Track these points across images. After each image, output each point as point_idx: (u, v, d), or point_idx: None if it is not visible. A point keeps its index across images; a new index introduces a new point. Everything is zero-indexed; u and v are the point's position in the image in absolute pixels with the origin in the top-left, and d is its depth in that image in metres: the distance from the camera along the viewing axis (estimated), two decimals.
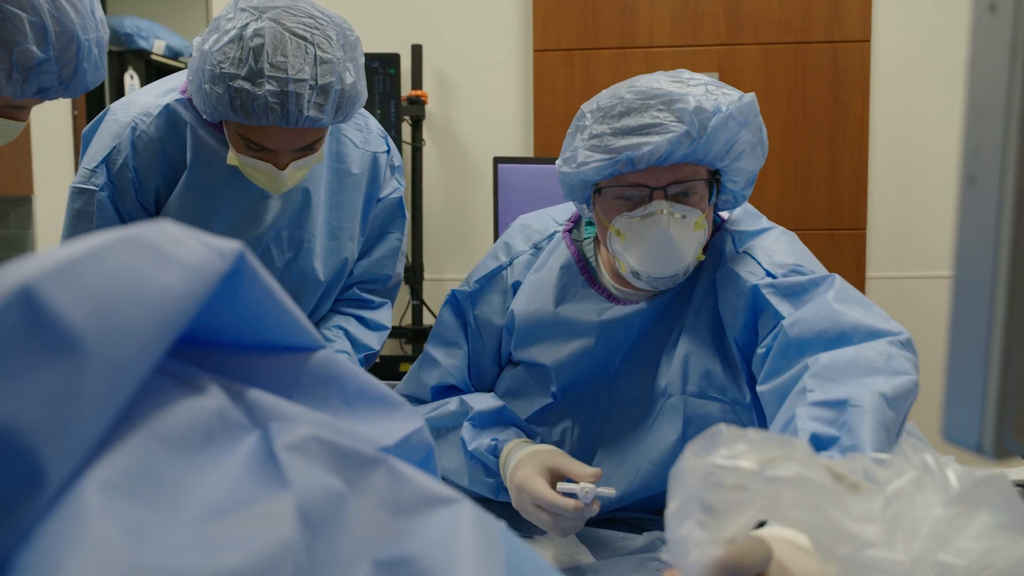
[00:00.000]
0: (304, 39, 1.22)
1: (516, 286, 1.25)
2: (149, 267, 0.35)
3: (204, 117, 1.31)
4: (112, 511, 0.30)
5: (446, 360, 1.27)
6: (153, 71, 3.72)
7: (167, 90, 1.43)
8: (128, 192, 1.40)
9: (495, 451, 1.12)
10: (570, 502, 0.99)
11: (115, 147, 1.38)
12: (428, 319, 3.21)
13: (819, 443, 0.82)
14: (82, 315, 0.30)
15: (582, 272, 1.21)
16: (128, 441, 0.35)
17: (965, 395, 0.39)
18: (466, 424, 1.14)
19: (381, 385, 0.58)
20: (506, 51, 3.13)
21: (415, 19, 3.15)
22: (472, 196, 3.20)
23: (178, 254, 0.37)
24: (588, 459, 1.18)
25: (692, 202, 1.09)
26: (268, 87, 1.19)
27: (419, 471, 0.48)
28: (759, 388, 1.01)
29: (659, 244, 1.07)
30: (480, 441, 1.12)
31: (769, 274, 1.07)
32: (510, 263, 1.26)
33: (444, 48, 3.15)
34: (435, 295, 3.21)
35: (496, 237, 2.58)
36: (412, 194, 3.11)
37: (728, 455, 0.53)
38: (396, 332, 3.15)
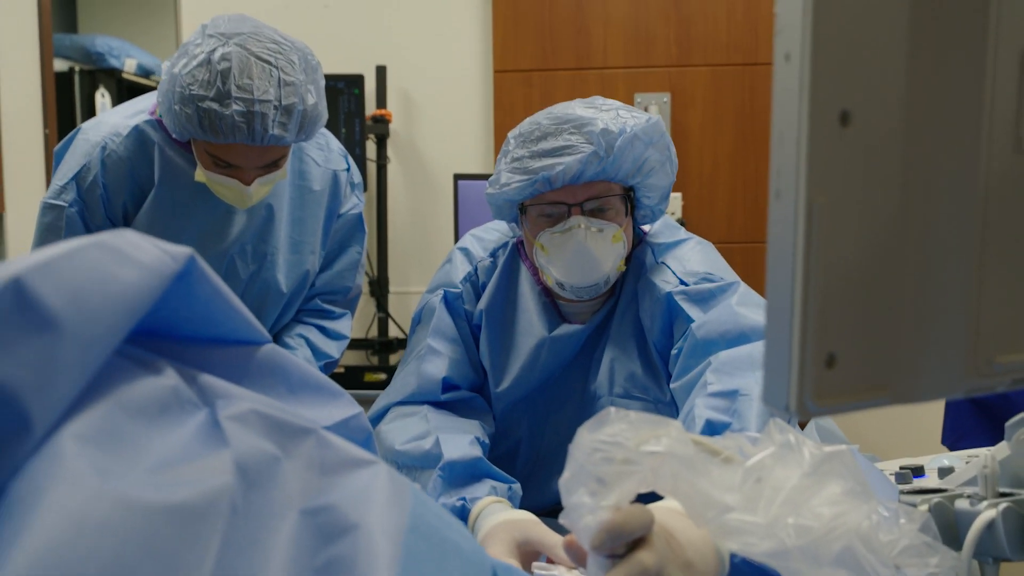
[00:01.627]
0: (268, 63, 1.31)
1: (483, 287, 1.32)
2: (113, 266, 0.43)
3: (173, 136, 1.39)
4: (83, 455, 0.39)
5: (451, 353, 1.28)
6: (124, 89, 3.78)
7: (136, 111, 1.51)
8: (97, 208, 1.47)
9: (463, 513, 1.05)
10: None
11: (85, 165, 1.45)
12: (394, 331, 3.29)
13: (713, 428, 0.92)
14: (59, 301, 0.39)
15: (538, 283, 1.30)
16: (96, 407, 0.43)
17: (776, 368, 0.48)
18: (436, 476, 1.09)
19: (323, 376, 0.67)
20: (467, 72, 3.24)
21: (379, 41, 3.25)
22: (434, 211, 3.29)
23: (137, 256, 0.46)
24: (531, 464, 1.26)
25: (608, 216, 1.19)
26: (235, 107, 1.28)
27: (345, 441, 0.56)
28: (672, 385, 1.11)
29: (578, 256, 1.16)
30: (447, 499, 1.07)
31: (682, 282, 1.18)
32: (475, 269, 1.33)
33: (408, 69, 3.25)
34: (400, 308, 3.30)
35: None
36: (377, 210, 3.19)
37: (611, 433, 0.61)
38: (362, 344, 3.22)
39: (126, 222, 1.50)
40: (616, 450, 0.60)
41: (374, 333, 3.27)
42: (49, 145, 2.97)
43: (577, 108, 1.18)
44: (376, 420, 1.25)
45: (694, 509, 0.62)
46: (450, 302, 1.32)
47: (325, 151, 1.64)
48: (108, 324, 0.42)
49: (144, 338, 0.54)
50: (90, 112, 3.60)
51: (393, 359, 3.27)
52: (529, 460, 1.24)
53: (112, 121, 1.49)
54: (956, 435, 2.40)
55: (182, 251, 0.50)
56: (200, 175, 1.40)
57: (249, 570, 0.43)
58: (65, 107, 3.43)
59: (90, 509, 0.35)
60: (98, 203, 1.46)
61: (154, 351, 0.54)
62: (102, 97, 3.75)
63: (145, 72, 3.86)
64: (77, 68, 3.67)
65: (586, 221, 1.17)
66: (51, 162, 2.63)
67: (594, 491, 0.59)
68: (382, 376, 3.11)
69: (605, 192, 1.19)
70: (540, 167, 1.15)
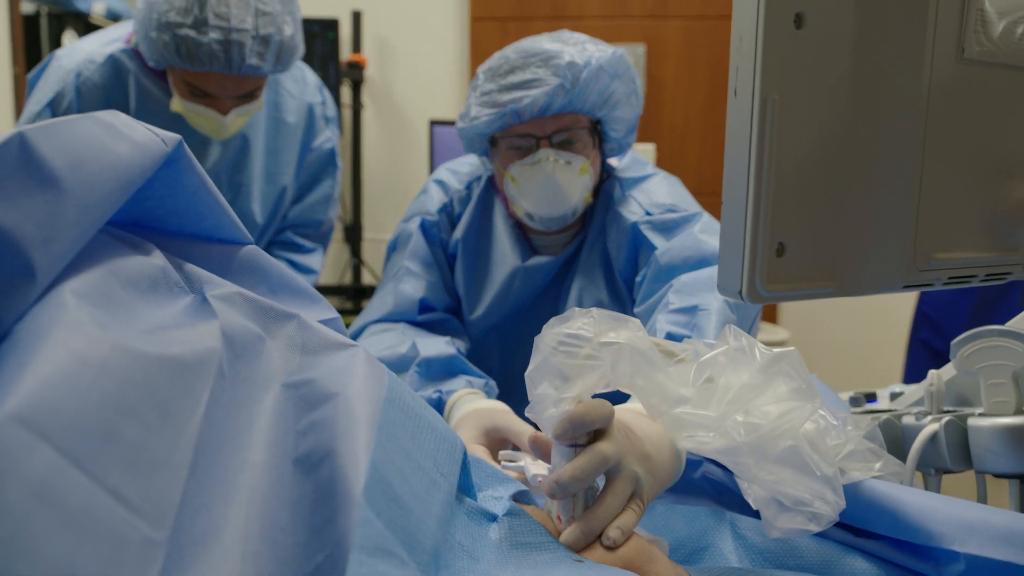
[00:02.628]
0: None
1: (458, 217, 1.35)
2: (108, 138, 0.46)
3: (149, 65, 1.39)
4: (83, 308, 0.41)
5: (428, 276, 1.30)
6: (93, 31, 3.71)
7: (111, 39, 1.50)
8: None
9: (439, 404, 1.08)
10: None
11: (60, 91, 1.44)
12: (367, 277, 3.31)
13: (673, 340, 0.96)
14: (60, 163, 0.41)
15: (511, 216, 1.33)
16: (92, 272, 0.45)
17: (730, 257, 0.52)
18: (412, 372, 1.12)
19: (303, 280, 0.69)
20: (444, 18, 3.22)
21: None
22: (409, 157, 3.29)
23: (130, 134, 0.48)
24: (502, 391, 1.30)
25: (576, 149, 1.22)
26: (212, 35, 1.29)
27: (325, 327, 0.59)
28: (636, 309, 1.15)
29: (546, 188, 1.20)
30: (424, 392, 1.09)
31: (648, 213, 1.21)
32: (450, 200, 1.36)
33: (383, 14, 3.23)
34: (374, 253, 3.31)
35: None
36: (352, 156, 3.19)
37: (575, 326, 0.64)
38: (336, 290, 3.24)
39: None
40: (578, 344, 0.63)
41: (348, 279, 3.28)
42: (18, 85, 2.92)
43: (544, 42, 1.20)
44: (353, 337, 1.27)
45: (650, 402, 0.65)
46: (427, 229, 1.33)
47: (300, 83, 1.65)
48: (103, 192, 0.44)
49: (130, 229, 0.57)
50: None
51: (367, 304, 3.29)
52: (500, 386, 1.28)
53: (87, 48, 1.48)
54: (914, 381, 2.49)
55: (172, 136, 0.52)
56: (176, 105, 1.41)
57: (235, 431, 0.47)
58: (32, 50, 3.37)
59: (91, 350, 0.38)
60: None
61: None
62: (69, 40, 3.68)
63: (113, 16, 3.79)
64: (44, 11, 3.59)
65: (554, 154, 1.20)
66: (21, 101, 2.60)
67: (557, 384, 0.62)
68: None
69: (573, 124, 1.21)
70: (508, 100, 1.17)
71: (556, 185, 1.20)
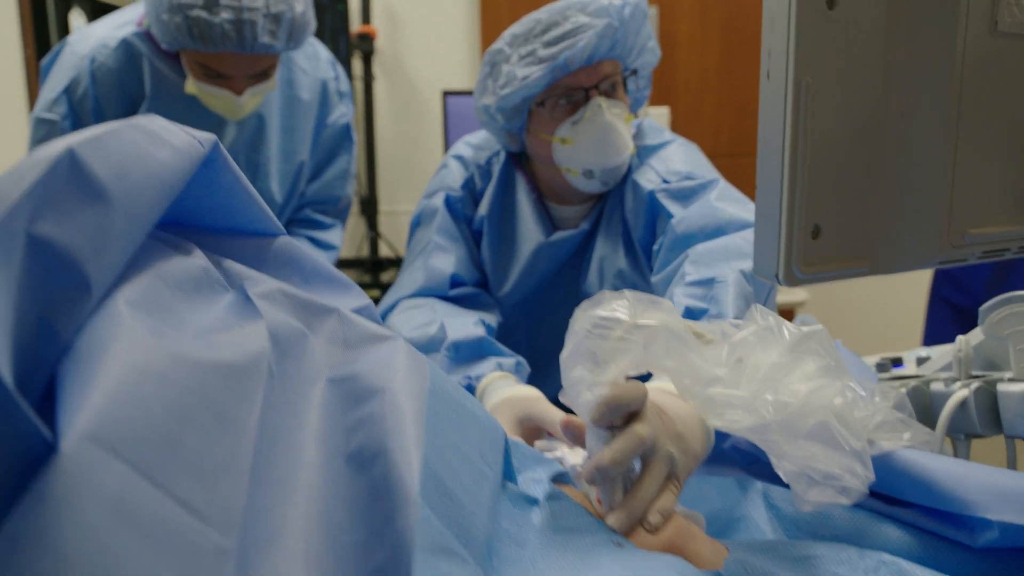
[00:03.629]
0: None
1: (481, 193, 1.35)
2: (150, 146, 0.46)
3: (162, 47, 1.39)
4: (137, 318, 0.42)
5: (457, 251, 1.30)
6: (100, 11, 3.69)
7: (123, 23, 1.50)
8: (89, 121, 1.47)
9: (469, 391, 1.02)
10: None
11: (75, 77, 1.45)
12: (384, 250, 3.31)
13: (692, 315, 0.97)
14: (107, 175, 0.42)
15: (532, 191, 1.33)
16: (140, 278, 0.46)
17: (766, 241, 0.52)
18: (443, 355, 1.10)
19: (335, 269, 0.70)
20: None
21: None
22: (423, 129, 3.28)
23: (170, 139, 0.48)
24: (532, 366, 1.30)
25: (619, 96, 1.23)
26: (224, 15, 1.28)
27: (364, 319, 0.60)
28: (652, 278, 1.15)
29: (608, 134, 1.20)
30: (454, 378, 1.06)
31: (665, 180, 1.21)
32: (472, 176, 1.35)
33: None
34: (390, 226, 3.32)
35: None
36: (365, 128, 3.18)
37: (609, 309, 0.65)
38: (354, 263, 3.25)
39: None
40: (612, 326, 0.64)
41: (365, 252, 3.29)
42: (29, 66, 2.92)
43: None
44: (385, 314, 1.27)
45: (682, 383, 0.66)
46: (451, 204, 1.33)
47: (313, 60, 1.64)
48: (148, 200, 0.45)
49: (170, 226, 0.57)
50: (64, 33, 3.52)
51: (385, 277, 3.30)
52: (527, 360, 1.29)
53: (99, 33, 1.48)
54: (935, 338, 2.49)
55: (208, 136, 0.53)
56: (191, 87, 1.41)
57: (288, 430, 0.48)
58: (40, 31, 3.36)
59: (150, 362, 0.39)
60: (90, 115, 1.47)
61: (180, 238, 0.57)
62: (77, 19, 3.67)
63: None
64: None
65: (606, 101, 1.20)
66: (32, 82, 2.59)
67: (591, 368, 0.63)
68: (375, 293, 3.15)
69: (614, 72, 1.22)
70: (558, 50, 1.17)
71: (616, 131, 1.20)
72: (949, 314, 2.50)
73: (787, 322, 0.70)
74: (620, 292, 0.65)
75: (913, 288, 2.79)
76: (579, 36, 1.16)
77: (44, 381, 0.38)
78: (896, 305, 3.06)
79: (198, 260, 0.53)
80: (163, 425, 0.37)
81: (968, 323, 2.55)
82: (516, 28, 1.22)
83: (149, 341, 0.40)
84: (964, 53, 0.52)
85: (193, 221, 0.60)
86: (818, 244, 0.51)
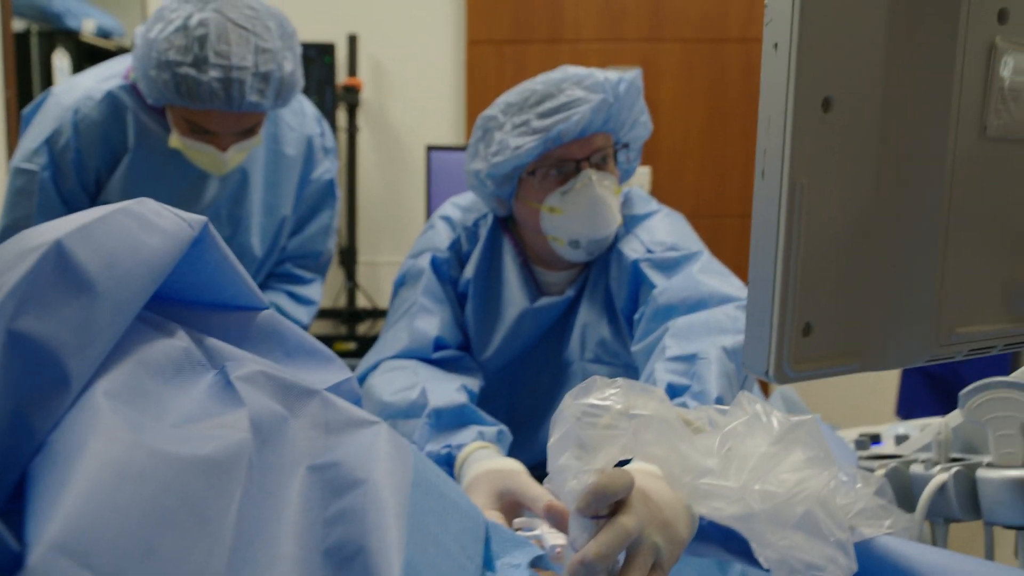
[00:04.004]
0: (246, 29, 1.31)
1: (467, 256, 1.35)
2: (141, 232, 0.45)
3: (149, 102, 1.39)
4: (116, 410, 0.41)
5: (442, 313, 1.29)
6: (84, 52, 3.69)
7: (109, 75, 1.49)
8: (69, 173, 1.45)
9: (449, 460, 1.03)
10: None
11: (57, 128, 1.43)
12: (362, 301, 3.30)
13: (674, 391, 0.97)
14: (95, 266, 0.41)
15: (518, 255, 1.33)
16: (121, 366, 0.45)
17: (756, 338, 0.52)
18: (423, 423, 1.08)
19: (317, 342, 0.69)
20: (440, 42, 3.23)
21: (351, 9, 3.22)
22: (405, 182, 3.30)
23: (160, 223, 0.48)
24: (512, 431, 1.29)
25: (609, 169, 1.24)
26: (212, 74, 1.28)
27: (347, 402, 0.59)
28: (633, 348, 1.15)
29: (597, 207, 1.20)
30: (434, 446, 1.04)
31: (649, 250, 1.22)
32: (458, 238, 1.35)
33: (379, 38, 3.23)
34: (369, 277, 3.31)
35: None
36: (348, 179, 3.19)
37: (600, 397, 0.64)
38: (332, 314, 3.23)
39: (98, 187, 1.49)
40: (600, 414, 0.63)
41: (343, 302, 3.27)
42: (9, 108, 2.91)
43: (562, 71, 1.21)
44: (366, 374, 1.26)
45: (672, 473, 0.65)
46: (437, 266, 1.33)
47: (299, 115, 1.65)
48: (136, 288, 0.44)
49: (153, 302, 0.56)
50: (47, 74, 3.52)
51: (361, 328, 3.28)
52: (508, 426, 1.28)
53: (84, 85, 1.48)
54: (909, 406, 2.50)
55: (197, 219, 0.52)
56: (175, 141, 1.40)
57: (265, 521, 0.46)
58: (23, 69, 3.35)
59: (128, 460, 0.38)
60: (70, 168, 1.45)
61: (163, 314, 0.56)
62: (60, 60, 3.66)
63: (104, 34, 3.77)
64: (34, 29, 3.57)
65: (596, 174, 1.21)
66: (12, 124, 2.57)
67: (579, 455, 0.62)
68: (351, 345, 3.13)
69: (605, 145, 1.23)
70: (552, 123, 1.18)
71: (605, 203, 1.21)
72: (923, 381, 2.52)
73: (775, 410, 0.70)
74: (612, 380, 0.64)
75: None
76: (574, 110, 1.17)
77: (15, 480, 0.37)
78: (871, 372, 3.08)
79: (179, 341, 0.52)
80: (139, 529, 0.36)
81: (942, 391, 2.58)
82: (511, 96, 1.22)
83: (128, 437, 0.39)
84: (955, 156, 0.53)
85: (178, 296, 0.59)
86: (809, 341, 0.51)
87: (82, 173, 1.47)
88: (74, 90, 1.47)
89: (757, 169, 0.51)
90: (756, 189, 0.51)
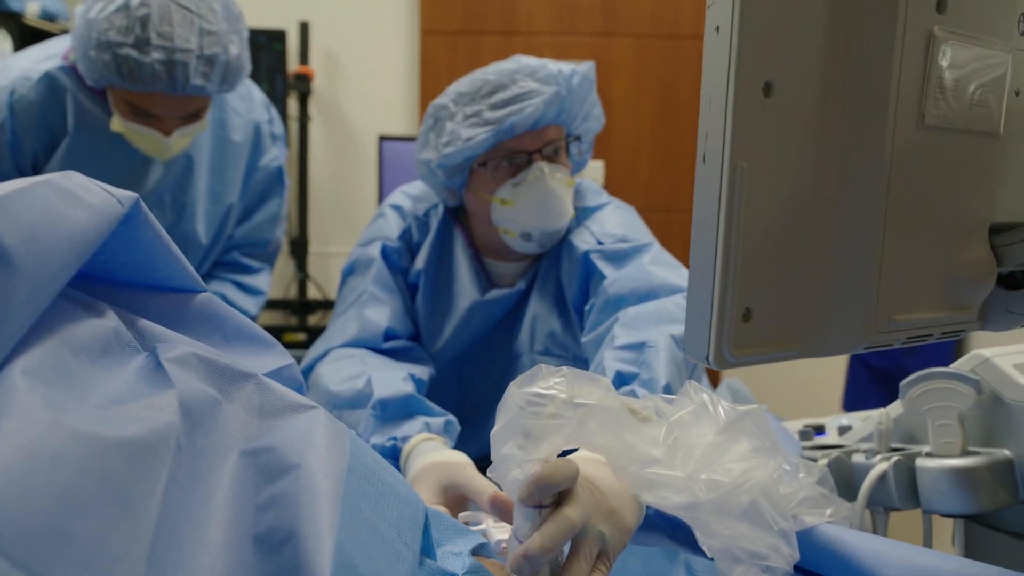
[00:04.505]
0: (190, 10, 1.28)
1: (418, 246, 1.33)
2: (64, 206, 0.44)
3: (89, 84, 1.35)
4: (34, 389, 0.39)
5: (392, 303, 1.27)
6: (27, 35, 3.59)
7: (47, 56, 1.45)
8: (5, 155, 1.41)
9: (394, 452, 1.01)
10: None
11: None
12: (313, 292, 3.26)
13: (623, 379, 0.97)
14: (13, 239, 0.39)
15: (469, 246, 1.32)
16: (43, 344, 0.43)
17: (698, 321, 0.51)
18: (368, 413, 1.06)
19: (257, 327, 0.67)
20: (393, 32, 3.20)
21: None
22: (357, 171, 3.26)
23: (86, 197, 0.46)
24: (461, 424, 1.28)
25: (561, 161, 1.24)
26: (155, 55, 1.25)
27: (284, 387, 0.58)
28: (583, 339, 1.15)
29: (548, 199, 1.20)
30: (379, 439, 1.03)
31: (599, 242, 1.22)
32: (409, 227, 1.34)
33: (332, 26, 3.19)
34: (320, 268, 3.27)
35: None
36: (298, 169, 3.15)
37: (545, 386, 0.63)
38: (282, 304, 3.19)
39: (35, 170, 1.45)
40: (546, 403, 0.62)
41: (293, 293, 3.23)
42: None
43: (515, 62, 1.21)
44: (314, 363, 1.23)
45: (617, 462, 0.65)
46: (388, 255, 1.31)
47: (247, 101, 1.61)
48: (59, 264, 0.42)
49: (82, 281, 0.54)
50: None
51: (312, 319, 3.24)
52: (457, 417, 1.27)
53: (21, 65, 1.43)
54: (855, 399, 2.55)
55: (128, 195, 0.50)
56: (117, 124, 1.36)
57: (192, 507, 0.45)
58: None
59: (45, 441, 0.36)
60: (6, 150, 1.41)
61: (92, 294, 0.54)
62: (2, 42, 3.55)
63: (49, 16, 3.67)
64: None
65: (548, 166, 1.20)
66: None
67: (522, 444, 0.61)
68: (301, 336, 3.09)
69: (558, 137, 1.23)
70: (504, 114, 1.17)
71: (556, 196, 1.20)
72: (869, 375, 2.58)
73: (722, 400, 0.70)
74: (557, 369, 0.63)
75: None
76: (526, 102, 1.16)
77: None
78: (817, 365, 3.13)
79: (108, 321, 0.50)
80: (55, 512, 0.34)
81: (886, 384, 2.64)
82: (462, 85, 1.21)
83: (45, 416, 0.37)
84: (893, 145, 0.53)
85: (109, 276, 0.57)
86: (749, 327, 0.51)
87: (18, 156, 1.43)
88: (10, 71, 1.42)
89: (699, 153, 0.51)
90: (697, 173, 0.51)
